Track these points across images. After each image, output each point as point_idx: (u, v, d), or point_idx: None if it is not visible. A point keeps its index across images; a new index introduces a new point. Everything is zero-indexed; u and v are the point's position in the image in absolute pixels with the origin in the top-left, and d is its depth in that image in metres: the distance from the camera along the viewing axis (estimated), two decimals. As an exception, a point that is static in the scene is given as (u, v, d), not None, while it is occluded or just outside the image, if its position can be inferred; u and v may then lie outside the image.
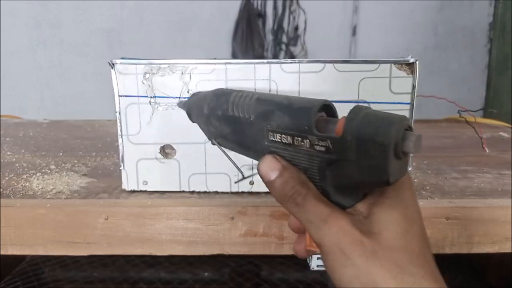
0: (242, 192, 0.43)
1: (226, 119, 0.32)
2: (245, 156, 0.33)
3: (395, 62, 0.40)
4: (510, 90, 2.29)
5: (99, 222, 0.39)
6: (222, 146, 0.34)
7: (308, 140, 0.27)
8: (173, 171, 0.42)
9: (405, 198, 0.27)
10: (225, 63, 0.40)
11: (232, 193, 0.43)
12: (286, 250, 0.40)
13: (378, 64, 0.39)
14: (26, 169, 0.51)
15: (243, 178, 0.37)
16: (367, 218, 0.27)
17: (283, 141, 0.28)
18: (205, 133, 0.35)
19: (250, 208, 0.39)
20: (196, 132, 0.42)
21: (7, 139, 0.68)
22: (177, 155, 0.42)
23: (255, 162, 0.42)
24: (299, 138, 0.28)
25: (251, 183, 0.43)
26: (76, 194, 0.43)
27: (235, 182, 0.41)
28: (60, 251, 0.40)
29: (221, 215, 0.39)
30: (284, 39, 2.44)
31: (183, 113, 0.41)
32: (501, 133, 0.76)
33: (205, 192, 0.43)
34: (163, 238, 0.40)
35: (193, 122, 0.37)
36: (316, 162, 0.27)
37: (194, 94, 0.37)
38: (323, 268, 0.42)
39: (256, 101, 0.30)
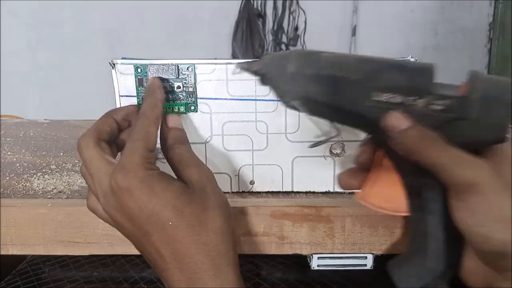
0: (243, 192, 0.43)
1: (318, 78, 0.29)
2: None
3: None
4: (510, 90, 2.29)
5: (99, 222, 0.39)
6: (302, 109, 0.32)
7: (423, 100, 0.27)
8: (174, 171, 0.42)
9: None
10: (226, 63, 0.40)
11: (232, 192, 0.43)
12: (287, 250, 0.40)
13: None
14: (26, 169, 0.51)
15: (322, 141, 0.35)
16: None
17: (391, 100, 0.28)
18: (282, 94, 0.32)
19: (250, 208, 0.39)
20: (196, 132, 0.42)
21: (8, 139, 0.68)
22: (177, 155, 0.42)
23: (256, 162, 0.42)
24: (412, 98, 0.28)
25: (252, 182, 0.43)
26: (77, 194, 0.43)
27: (309, 147, 0.38)
28: (61, 251, 0.40)
29: (222, 215, 0.39)
30: (284, 39, 2.44)
31: (183, 113, 0.41)
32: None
33: (205, 192, 0.43)
34: (163, 238, 0.40)
35: (264, 84, 0.33)
36: (429, 121, 0.27)
37: (265, 54, 0.33)
38: (323, 268, 0.42)
39: (358, 60, 0.29)
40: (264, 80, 0.33)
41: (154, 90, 0.37)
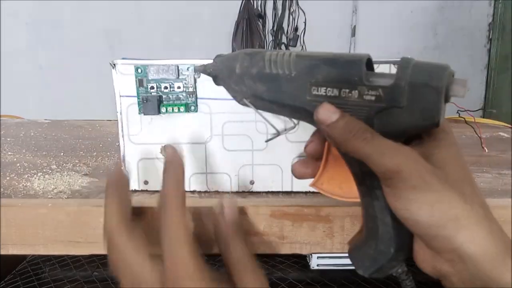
0: (243, 192, 0.43)
1: (262, 77, 0.31)
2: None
3: (394, 63, 0.40)
4: (510, 90, 2.30)
5: (100, 222, 0.39)
6: (252, 106, 0.34)
7: (356, 91, 0.28)
8: (174, 171, 0.43)
9: (452, 138, 0.29)
10: (226, 63, 0.40)
11: (232, 192, 0.43)
12: (286, 250, 0.40)
13: (377, 65, 0.39)
14: (27, 169, 0.51)
15: (278, 134, 0.36)
16: (425, 156, 0.28)
17: (328, 94, 0.29)
18: (234, 94, 0.34)
19: (250, 207, 0.39)
20: (196, 132, 0.42)
21: (8, 139, 0.69)
22: (177, 155, 0.42)
23: (255, 162, 0.42)
24: (347, 90, 0.28)
25: (252, 182, 0.43)
26: (77, 194, 0.43)
27: (266, 141, 0.40)
28: (61, 251, 0.40)
29: (222, 214, 0.39)
30: (284, 39, 2.44)
31: (183, 113, 0.41)
32: (501, 133, 0.76)
33: (205, 192, 0.43)
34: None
35: (218, 84, 0.35)
36: (364, 111, 0.28)
37: (217, 56, 0.35)
38: (322, 268, 0.42)
39: (297, 57, 0.30)
40: (216, 81, 0.35)
41: (176, 162, 0.34)
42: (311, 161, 0.35)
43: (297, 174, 0.35)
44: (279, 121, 0.41)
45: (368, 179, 0.30)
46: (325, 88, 0.29)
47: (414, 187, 0.26)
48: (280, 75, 0.31)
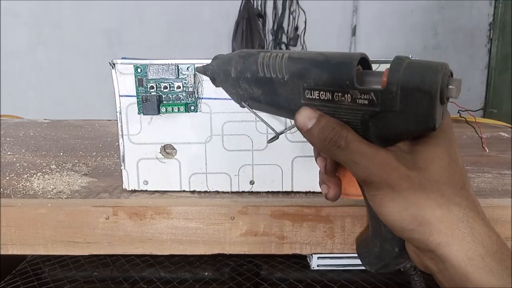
0: (243, 192, 0.43)
1: (256, 81, 0.31)
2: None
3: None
4: (510, 90, 2.30)
5: (99, 222, 0.39)
6: (253, 108, 0.33)
7: (349, 95, 0.27)
8: (174, 171, 0.43)
9: (447, 136, 0.28)
10: (226, 63, 0.40)
11: (232, 192, 0.43)
12: (286, 250, 0.40)
13: (378, 64, 0.39)
14: (26, 169, 0.51)
15: (277, 136, 0.36)
16: (410, 154, 0.27)
17: (322, 97, 0.28)
18: (232, 96, 0.34)
19: (250, 207, 0.39)
20: (196, 132, 0.42)
21: (8, 139, 0.68)
22: (177, 155, 0.42)
23: (255, 162, 0.42)
24: (339, 94, 0.27)
25: (252, 182, 0.43)
26: (76, 194, 0.43)
27: (268, 142, 0.39)
28: (61, 251, 0.40)
29: (222, 214, 0.39)
30: (284, 39, 2.44)
31: (183, 113, 0.41)
32: (501, 133, 0.76)
33: (205, 192, 0.43)
34: (163, 237, 0.40)
35: (216, 86, 0.35)
36: (359, 115, 0.27)
37: (215, 58, 0.35)
38: (323, 268, 0.42)
39: (289, 60, 0.29)
40: (215, 83, 0.35)
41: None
42: (329, 177, 0.33)
43: (330, 197, 0.33)
44: (278, 122, 0.41)
45: None
46: (318, 91, 0.28)
47: (384, 194, 0.27)
48: (274, 79, 0.30)
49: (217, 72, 0.34)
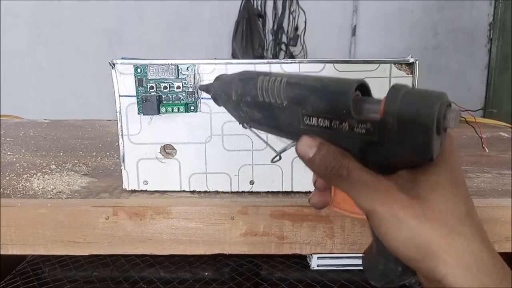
0: (243, 192, 0.43)
1: (256, 105, 0.31)
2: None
3: (395, 62, 0.40)
4: (510, 90, 2.30)
5: (99, 222, 0.39)
6: (255, 129, 0.33)
7: (347, 123, 0.27)
8: (174, 171, 0.43)
9: (449, 162, 0.28)
10: (226, 63, 0.40)
11: (232, 192, 0.43)
12: (286, 250, 0.40)
13: (378, 64, 0.39)
14: (26, 169, 0.51)
15: (279, 155, 0.36)
16: (412, 183, 0.27)
17: (321, 124, 0.28)
18: (234, 117, 0.34)
19: (250, 207, 0.39)
20: (196, 132, 0.42)
21: (8, 139, 0.68)
22: (177, 155, 0.42)
23: (255, 162, 0.42)
24: (337, 122, 0.27)
25: (251, 182, 0.43)
26: (76, 194, 0.43)
27: (272, 161, 0.40)
28: (61, 251, 0.40)
29: (222, 214, 0.39)
30: (284, 39, 2.44)
31: (183, 113, 0.41)
32: (501, 133, 0.76)
33: (205, 192, 0.43)
34: (163, 237, 0.40)
35: (219, 106, 0.36)
36: (357, 143, 0.27)
37: (217, 78, 0.35)
38: (323, 268, 0.42)
39: (287, 85, 0.29)
40: (218, 103, 0.35)
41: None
42: (324, 191, 0.34)
43: (317, 206, 0.33)
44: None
45: None
46: (316, 118, 0.28)
47: (389, 223, 0.27)
48: (273, 104, 0.30)
49: (219, 93, 0.34)
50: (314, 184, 0.32)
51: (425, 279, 0.29)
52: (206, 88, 0.36)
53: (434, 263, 0.26)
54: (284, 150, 0.35)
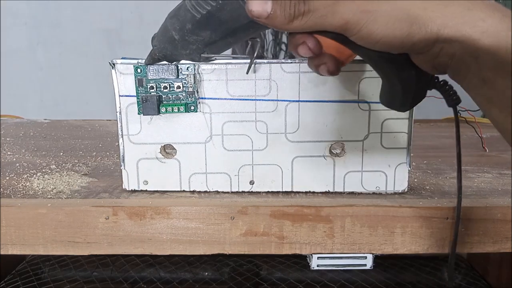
0: (243, 192, 0.43)
1: (199, 25, 0.30)
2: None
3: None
4: (510, 90, 2.29)
5: (99, 222, 0.39)
6: (213, 53, 0.33)
7: None
8: (174, 171, 0.43)
9: None
10: (225, 63, 0.40)
11: (232, 192, 0.43)
12: (286, 250, 0.40)
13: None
14: (26, 169, 0.51)
15: (253, 62, 0.35)
16: None
17: None
18: (189, 58, 0.33)
19: (250, 207, 0.39)
20: (196, 132, 0.42)
21: (8, 139, 0.68)
22: (177, 155, 0.42)
23: (255, 162, 0.42)
24: None
25: (251, 182, 0.43)
26: (76, 194, 0.43)
27: (247, 73, 0.39)
28: (61, 251, 0.40)
29: (222, 214, 0.39)
30: (284, 39, 2.44)
31: (183, 113, 0.41)
32: (501, 133, 0.76)
33: (205, 192, 0.43)
34: (163, 237, 0.40)
35: (172, 61, 0.35)
36: None
37: (152, 38, 0.35)
38: (323, 268, 0.42)
39: None
40: (169, 59, 0.35)
41: None
42: (320, 56, 0.32)
43: (334, 70, 0.32)
44: (278, 124, 0.41)
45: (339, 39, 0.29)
46: None
47: (364, 23, 0.26)
48: (212, 11, 0.29)
49: (163, 47, 0.34)
50: (298, 52, 0.31)
51: (430, 64, 0.28)
52: (151, 56, 0.35)
53: (422, 27, 0.25)
54: (253, 59, 0.35)
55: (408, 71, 0.30)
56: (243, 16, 0.29)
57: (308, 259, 0.42)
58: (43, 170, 0.51)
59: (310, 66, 0.33)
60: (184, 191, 0.43)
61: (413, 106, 0.32)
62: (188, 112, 0.41)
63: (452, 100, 0.32)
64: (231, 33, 0.31)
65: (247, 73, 0.40)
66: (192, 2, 0.30)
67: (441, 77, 0.31)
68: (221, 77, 0.40)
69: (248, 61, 0.40)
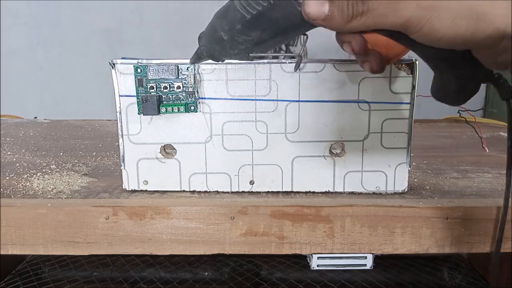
0: (243, 192, 0.43)
1: (249, 25, 0.30)
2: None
3: (395, 62, 0.40)
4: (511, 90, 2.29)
5: (99, 222, 0.39)
6: (262, 53, 0.32)
7: None
8: (174, 171, 0.43)
9: None
10: (226, 63, 0.40)
11: (232, 192, 0.43)
12: (286, 250, 0.40)
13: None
14: (26, 169, 0.51)
15: (300, 59, 0.35)
16: None
17: None
18: (238, 58, 0.33)
19: (250, 207, 0.39)
20: (196, 132, 0.42)
21: (8, 139, 0.69)
22: (177, 154, 0.42)
23: (255, 162, 0.42)
24: None
25: (252, 182, 0.43)
26: (76, 194, 0.43)
27: (295, 69, 0.38)
28: (61, 251, 0.40)
29: (222, 214, 0.39)
30: (284, 39, 2.44)
31: (183, 113, 0.41)
32: (501, 133, 0.76)
33: (205, 192, 0.43)
34: (163, 237, 0.40)
35: (218, 61, 0.35)
36: None
37: (199, 38, 0.35)
38: (323, 268, 0.42)
39: None
40: (216, 59, 0.35)
41: None
42: (364, 55, 0.32)
43: (378, 69, 0.32)
44: (279, 124, 0.41)
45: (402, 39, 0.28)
46: None
47: (428, 20, 0.25)
48: (263, 11, 0.29)
49: (211, 47, 0.33)
50: (343, 48, 0.31)
51: (493, 61, 0.27)
52: (198, 55, 0.35)
53: (488, 24, 0.25)
54: (301, 55, 0.35)
55: (464, 69, 0.29)
56: (294, 15, 0.29)
57: (308, 259, 0.42)
58: (43, 170, 0.51)
59: (357, 60, 0.33)
60: (184, 191, 0.43)
61: (467, 100, 0.31)
62: (188, 112, 0.41)
63: (507, 93, 0.31)
64: (281, 32, 0.30)
65: (295, 70, 0.40)
66: (242, 2, 0.30)
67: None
68: (221, 77, 0.40)
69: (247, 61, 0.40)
